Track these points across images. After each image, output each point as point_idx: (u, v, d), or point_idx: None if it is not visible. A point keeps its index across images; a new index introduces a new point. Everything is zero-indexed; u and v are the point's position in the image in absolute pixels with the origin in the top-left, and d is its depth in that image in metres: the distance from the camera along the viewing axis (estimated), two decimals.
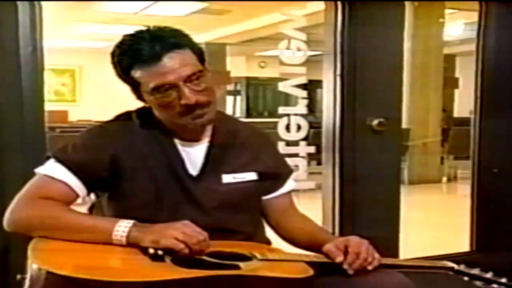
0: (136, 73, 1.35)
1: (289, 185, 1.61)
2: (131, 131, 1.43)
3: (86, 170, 1.37)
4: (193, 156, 1.45)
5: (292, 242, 1.56)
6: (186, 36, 1.39)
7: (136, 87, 1.38)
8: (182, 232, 1.25)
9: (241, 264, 1.25)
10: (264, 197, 1.57)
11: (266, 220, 1.59)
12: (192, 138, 1.45)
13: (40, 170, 1.39)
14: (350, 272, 1.30)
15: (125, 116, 1.48)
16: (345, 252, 1.33)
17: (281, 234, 1.58)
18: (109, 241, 1.26)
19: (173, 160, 1.42)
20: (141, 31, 1.36)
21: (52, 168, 1.37)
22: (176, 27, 1.39)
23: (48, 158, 1.41)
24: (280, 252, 1.41)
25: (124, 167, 1.39)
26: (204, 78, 1.37)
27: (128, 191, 1.40)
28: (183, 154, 1.44)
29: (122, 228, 1.26)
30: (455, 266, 1.47)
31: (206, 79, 1.38)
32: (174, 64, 1.32)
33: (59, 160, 1.37)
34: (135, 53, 1.33)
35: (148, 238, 1.24)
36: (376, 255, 1.35)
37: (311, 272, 1.27)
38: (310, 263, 1.31)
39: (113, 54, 1.38)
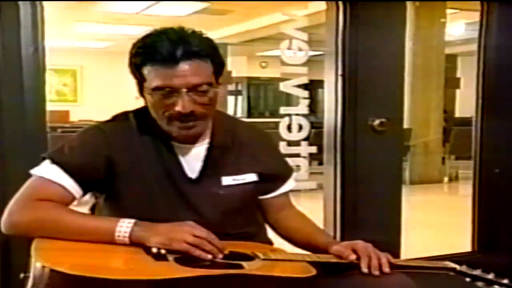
0: (146, 70, 1.32)
1: (289, 185, 1.60)
2: (127, 132, 1.41)
3: (83, 172, 1.36)
4: (192, 158, 1.43)
5: (290, 241, 1.56)
6: (212, 47, 1.36)
7: (141, 82, 1.36)
8: (192, 234, 1.25)
9: (244, 263, 1.26)
10: (263, 196, 1.55)
11: (263, 217, 1.59)
12: (190, 140, 1.43)
13: (36, 171, 1.37)
14: (376, 272, 1.31)
15: (122, 117, 1.46)
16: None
17: (279, 232, 1.58)
18: (111, 241, 1.25)
19: (169, 163, 1.40)
20: (171, 31, 1.33)
21: (48, 170, 1.35)
22: (208, 36, 1.37)
23: (43, 158, 1.39)
24: (283, 252, 1.41)
25: (119, 169, 1.38)
26: (211, 91, 1.34)
27: (122, 193, 1.39)
28: (181, 157, 1.42)
29: (124, 228, 1.25)
30: (457, 266, 1.46)
31: (214, 93, 1.35)
32: (187, 71, 1.30)
33: (55, 162, 1.35)
34: (153, 52, 1.30)
35: (155, 239, 1.24)
36: (386, 255, 1.36)
37: (313, 271, 1.27)
38: (312, 263, 1.32)
39: (134, 45, 1.36)
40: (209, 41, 1.36)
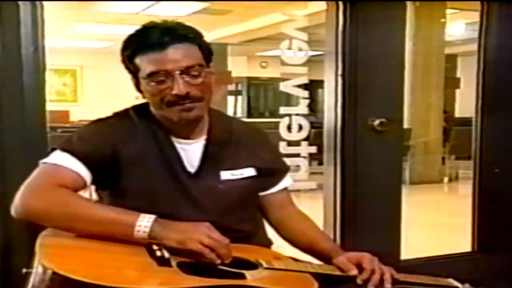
0: (138, 59, 1.37)
1: (286, 181, 1.62)
2: (129, 126, 1.45)
3: (92, 158, 1.37)
4: (191, 153, 1.45)
5: (293, 244, 1.56)
6: (198, 33, 1.41)
7: (135, 74, 1.40)
8: (208, 236, 1.25)
9: (246, 273, 1.24)
10: (262, 193, 1.57)
11: (265, 217, 1.59)
12: (188, 135, 1.46)
13: (47, 160, 1.37)
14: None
15: (123, 113, 1.49)
16: (358, 268, 1.35)
17: (281, 234, 1.58)
18: (130, 235, 1.24)
19: (170, 157, 1.43)
20: (156, 22, 1.39)
21: (60, 158, 1.36)
22: (192, 25, 1.42)
23: (52, 150, 1.40)
24: (286, 261, 1.39)
25: (123, 160, 1.39)
26: (204, 74, 1.38)
27: (126, 186, 1.40)
28: (181, 152, 1.44)
29: (145, 223, 1.24)
30: (460, 285, 1.45)
31: (206, 76, 1.39)
32: (177, 54, 1.35)
33: (65, 150, 1.37)
34: (143, 39, 1.36)
35: (173, 236, 1.24)
36: (390, 271, 1.36)
37: (315, 285, 1.27)
38: (315, 274, 1.31)
39: (124, 41, 1.40)
40: (194, 29, 1.42)
